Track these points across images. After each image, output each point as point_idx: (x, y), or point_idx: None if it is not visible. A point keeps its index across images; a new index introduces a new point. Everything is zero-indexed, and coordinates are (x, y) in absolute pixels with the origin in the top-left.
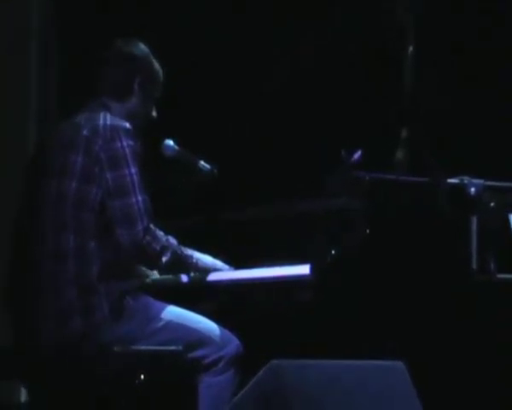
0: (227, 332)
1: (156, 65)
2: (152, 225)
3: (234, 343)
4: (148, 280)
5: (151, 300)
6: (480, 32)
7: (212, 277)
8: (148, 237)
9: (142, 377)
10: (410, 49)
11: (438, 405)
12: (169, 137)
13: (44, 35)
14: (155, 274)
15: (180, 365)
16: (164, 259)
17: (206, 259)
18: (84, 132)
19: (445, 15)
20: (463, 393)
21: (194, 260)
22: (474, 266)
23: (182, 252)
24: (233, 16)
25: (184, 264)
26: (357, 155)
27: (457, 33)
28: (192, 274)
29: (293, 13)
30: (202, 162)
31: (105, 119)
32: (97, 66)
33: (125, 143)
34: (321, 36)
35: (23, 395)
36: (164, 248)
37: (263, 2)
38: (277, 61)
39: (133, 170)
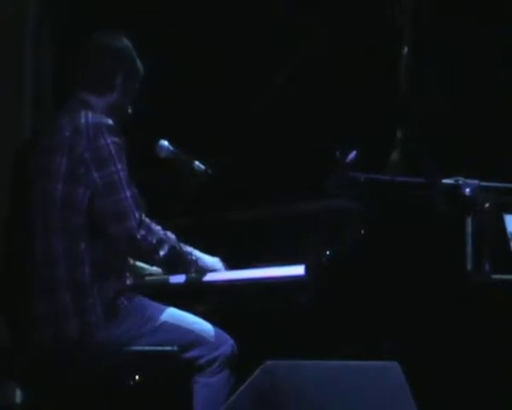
0: (222, 333)
1: (138, 61)
2: (147, 219)
3: (229, 344)
4: (143, 280)
5: (146, 300)
6: (477, 32)
7: (207, 277)
8: (142, 231)
9: (138, 377)
10: (406, 49)
11: (432, 405)
12: (164, 138)
13: (40, 20)
14: (155, 270)
15: (175, 365)
16: (161, 253)
17: (205, 258)
18: (67, 134)
19: (440, 16)
20: (458, 393)
21: (194, 258)
22: (470, 266)
23: (181, 248)
24: (231, 15)
25: (184, 260)
26: (352, 155)
27: (454, 32)
28: (190, 275)
29: (291, 13)
30: (197, 163)
31: (87, 117)
32: (76, 60)
33: (109, 141)
34: (317, 36)
35: (18, 397)
36: (161, 242)
37: (262, 2)
38: (274, 62)
39: (119, 166)
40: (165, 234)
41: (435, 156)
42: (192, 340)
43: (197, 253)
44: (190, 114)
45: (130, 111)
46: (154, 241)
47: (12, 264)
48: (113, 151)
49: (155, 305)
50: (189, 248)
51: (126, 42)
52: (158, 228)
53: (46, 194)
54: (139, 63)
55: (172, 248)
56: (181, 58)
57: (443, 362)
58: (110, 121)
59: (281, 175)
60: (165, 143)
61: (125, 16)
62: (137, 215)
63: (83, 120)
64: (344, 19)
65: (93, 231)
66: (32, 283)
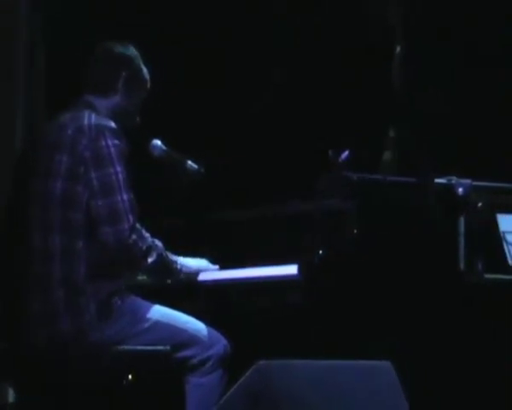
0: (215, 332)
1: (144, 69)
2: (138, 225)
3: (221, 343)
4: (135, 280)
5: (139, 300)
6: (473, 31)
7: (200, 276)
8: (134, 236)
9: (130, 377)
10: (398, 48)
11: (424, 405)
12: (157, 137)
13: (32, 24)
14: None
15: (168, 365)
16: (149, 260)
17: (190, 263)
18: (69, 132)
19: (433, 15)
20: (450, 392)
21: (179, 266)
22: (462, 266)
23: (167, 256)
24: (231, 15)
25: (170, 269)
26: (344, 155)
27: (448, 32)
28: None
29: (284, 13)
30: (190, 162)
31: (90, 118)
32: (83, 65)
33: (110, 143)
34: (310, 35)
35: (11, 396)
36: (150, 249)
37: (256, 3)
38: (269, 62)
39: (118, 169)
40: (154, 241)
41: (428, 156)
42: (185, 339)
43: (182, 260)
44: (190, 114)
45: (137, 120)
46: (144, 247)
47: (7, 262)
48: (112, 153)
49: (148, 305)
50: (174, 257)
51: (134, 51)
52: (147, 235)
53: (46, 191)
54: (145, 73)
55: (159, 256)
56: (181, 58)
57: (436, 362)
58: (112, 124)
59: (273, 175)
60: (158, 142)
61: (124, 16)
62: (131, 220)
63: (86, 121)
64: (338, 17)
65: (90, 230)
66: (27, 281)
